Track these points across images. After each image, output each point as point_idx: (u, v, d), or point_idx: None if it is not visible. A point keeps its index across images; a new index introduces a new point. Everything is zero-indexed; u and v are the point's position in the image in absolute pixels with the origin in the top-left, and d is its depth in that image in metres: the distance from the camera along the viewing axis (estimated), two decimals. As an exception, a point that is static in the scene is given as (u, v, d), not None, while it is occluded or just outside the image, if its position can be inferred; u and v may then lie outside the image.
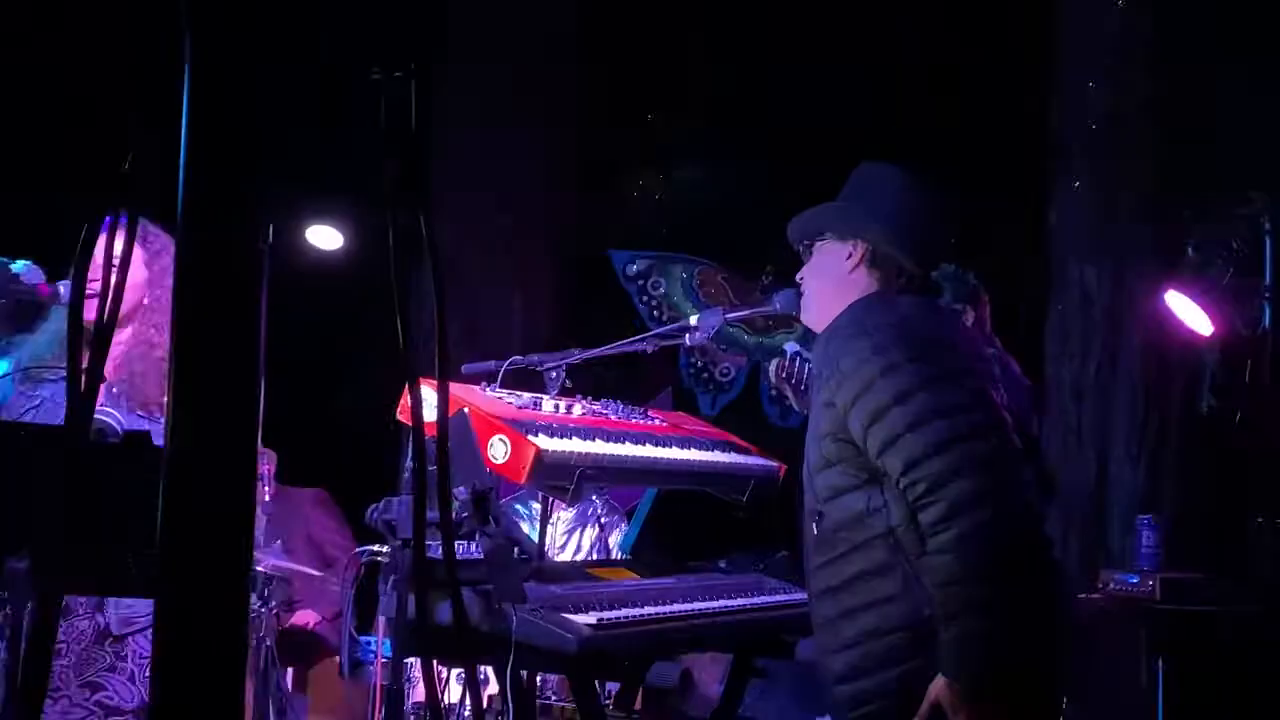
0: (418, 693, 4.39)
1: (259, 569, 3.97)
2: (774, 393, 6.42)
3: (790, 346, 2.83)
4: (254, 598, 3.89)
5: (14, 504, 2.22)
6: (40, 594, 2.07)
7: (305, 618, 4.78)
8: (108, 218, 1.29)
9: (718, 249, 6.59)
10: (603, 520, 4.46)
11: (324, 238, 6.29)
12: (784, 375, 2.79)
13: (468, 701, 3.56)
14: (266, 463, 4.04)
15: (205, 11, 0.81)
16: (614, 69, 6.76)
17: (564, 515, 4.39)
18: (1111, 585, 4.11)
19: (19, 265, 3.26)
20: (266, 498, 4.12)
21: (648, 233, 6.97)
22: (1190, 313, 4.65)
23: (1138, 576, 4.01)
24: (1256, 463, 4.46)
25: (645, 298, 6.53)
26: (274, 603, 4.20)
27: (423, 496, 1.28)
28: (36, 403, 2.78)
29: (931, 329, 2.31)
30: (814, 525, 2.30)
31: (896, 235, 2.37)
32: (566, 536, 4.43)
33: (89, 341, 2.79)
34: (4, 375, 3.05)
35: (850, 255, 2.39)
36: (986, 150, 6.09)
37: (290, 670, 4.55)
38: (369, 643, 4.85)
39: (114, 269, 1.53)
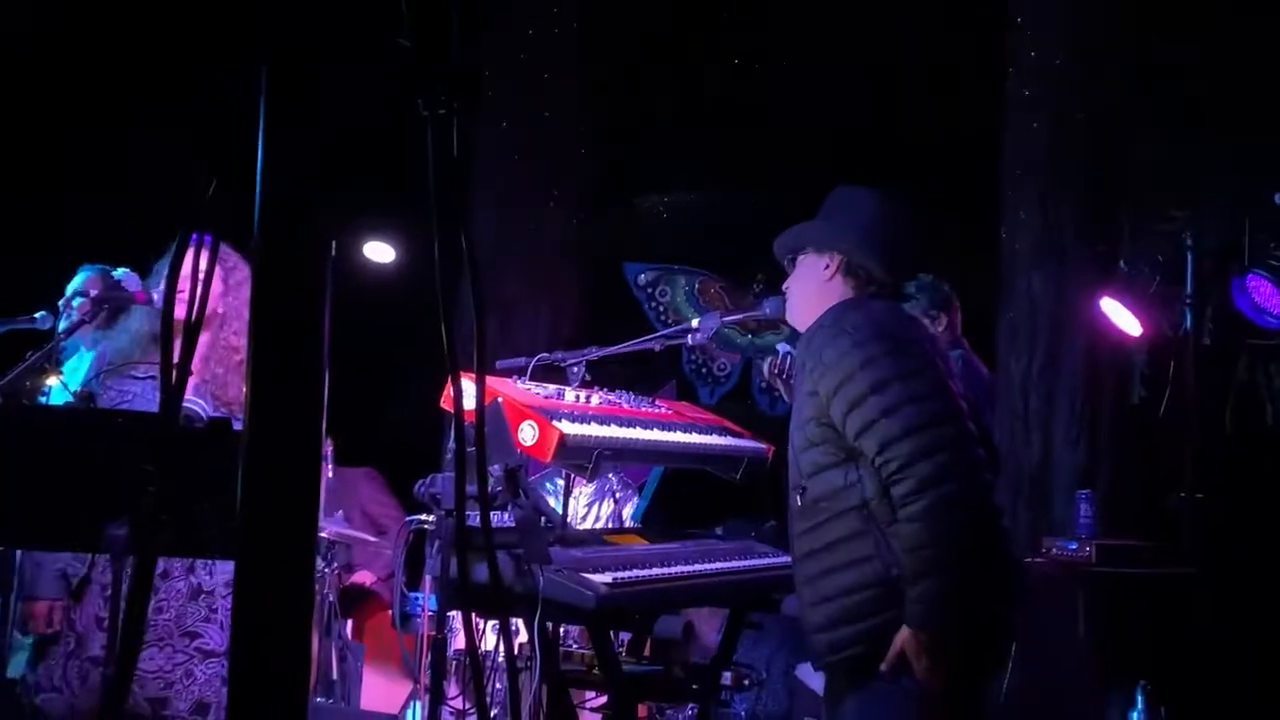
0: (458, 641, 4.39)
1: (322, 535, 3.98)
2: (764, 385, 6.42)
3: (782, 346, 2.82)
4: (319, 560, 3.90)
5: (112, 479, 2.23)
6: (138, 556, 2.08)
7: (363, 577, 4.79)
8: (193, 235, 1.30)
9: (715, 261, 6.58)
10: (617, 494, 4.45)
11: (378, 252, 6.29)
12: (776, 371, 2.79)
13: (501, 649, 3.56)
14: (326, 446, 4.05)
15: (280, 48, 0.81)
16: (622, 102, 6.71)
17: (584, 490, 4.38)
18: (1054, 551, 4.09)
19: (119, 272, 3.27)
20: (329, 474, 4.13)
21: (656, 247, 6.96)
22: (1122, 316, 4.63)
23: (1076, 543, 4.00)
24: (1178, 446, 4.45)
25: (653, 304, 6.53)
26: (335, 564, 4.20)
27: (463, 473, 1.28)
28: (129, 398, 2.79)
29: (899, 329, 2.31)
30: (798, 497, 2.31)
31: (868, 248, 2.37)
32: (586, 509, 4.42)
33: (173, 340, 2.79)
34: (88, 369, 3.05)
35: (828, 266, 2.39)
36: (945, 176, 6.05)
37: (349, 622, 4.55)
38: (417, 598, 4.86)
39: (190, 278, 1.54)
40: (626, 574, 2.31)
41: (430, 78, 0.93)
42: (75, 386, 2.68)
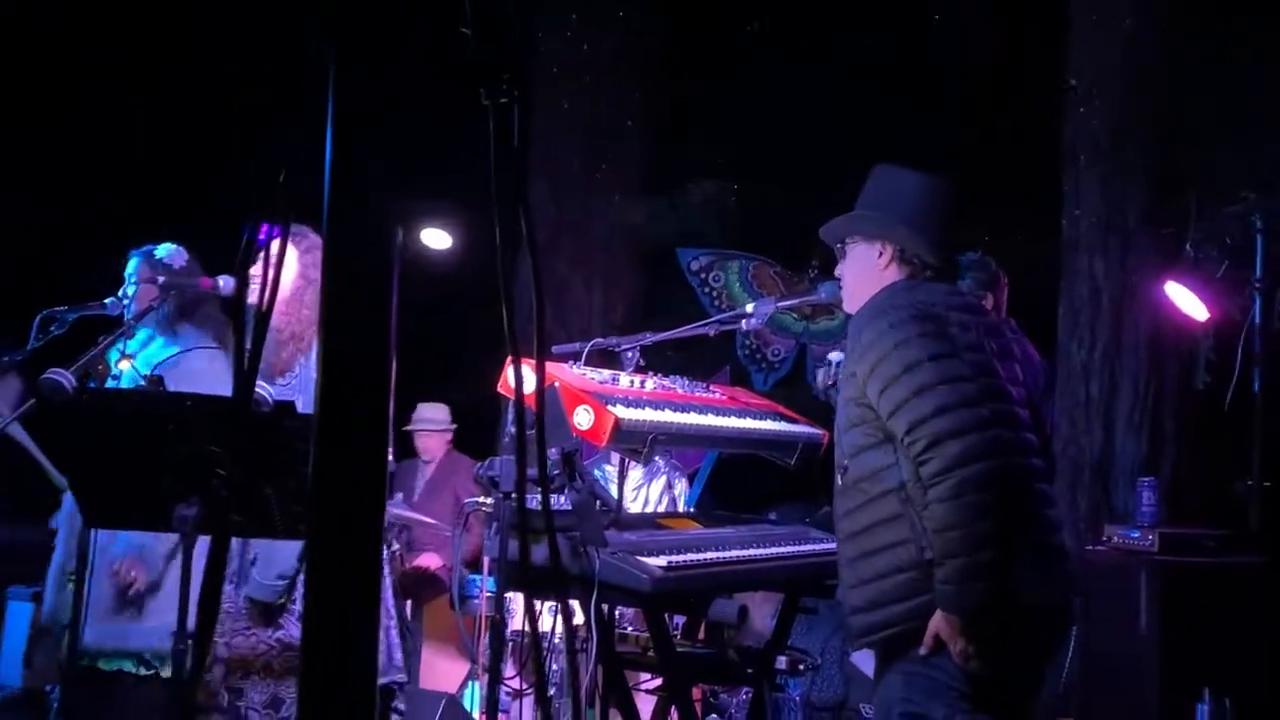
0: (515, 622, 4.46)
1: (386, 518, 4.04)
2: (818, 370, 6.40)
3: (835, 356, 2.82)
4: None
5: (182, 460, 2.29)
6: (214, 536, 2.14)
7: (428, 560, 4.86)
8: (264, 225, 1.33)
9: (770, 246, 6.55)
10: (667, 479, 4.47)
11: (435, 239, 6.36)
12: (830, 381, 2.79)
13: (558, 630, 3.60)
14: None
15: (346, 38, 0.83)
16: (676, 85, 6.69)
17: (633, 474, 4.41)
18: (1115, 539, 4.02)
19: (162, 250, 3.33)
20: (390, 458, 4.19)
21: (709, 232, 6.95)
22: (1188, 301, 4.53)
23: (1139, 532, 3.92)
24: (1245, 433, 4.34)
25: (706, 289, 6.52)
26: (396, 546, 4.28)
27: (523, 456, 1.30)
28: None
29: (944, 310, 2.30)
30: (839, 477, 2.34)
31: (920, 234, 2.37)
32: (635, 493, 4.45)
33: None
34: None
35: (881, 253, 2.39)
36: (1003, 157, 5.96)
37: (409, 602, 4.63)
38: (474, 580, 4.94)
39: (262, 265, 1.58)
40: (681, 558, 2.32)
41: (491, 66, 0.95)
42: (146, 370, 2.77)
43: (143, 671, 3.02)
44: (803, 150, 6.62)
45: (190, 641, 2.44)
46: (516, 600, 4.49)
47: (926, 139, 6.12)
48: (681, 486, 4.52)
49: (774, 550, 2.62)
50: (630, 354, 2.88)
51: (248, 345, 1.04)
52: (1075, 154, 5.45)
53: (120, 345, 2.77)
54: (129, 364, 2.88)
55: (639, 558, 2.25)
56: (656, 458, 4.29)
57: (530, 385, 2.47)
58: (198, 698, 2.65)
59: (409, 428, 5.13)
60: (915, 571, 2.17)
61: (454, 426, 5.19)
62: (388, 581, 4.19)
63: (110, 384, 2.68)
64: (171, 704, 3.16)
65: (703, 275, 6.50)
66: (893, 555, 2.20)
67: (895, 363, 2.18)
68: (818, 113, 6.58)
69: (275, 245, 2.78)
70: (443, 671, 4.65)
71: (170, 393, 2.37)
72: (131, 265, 3.36)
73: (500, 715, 4.43)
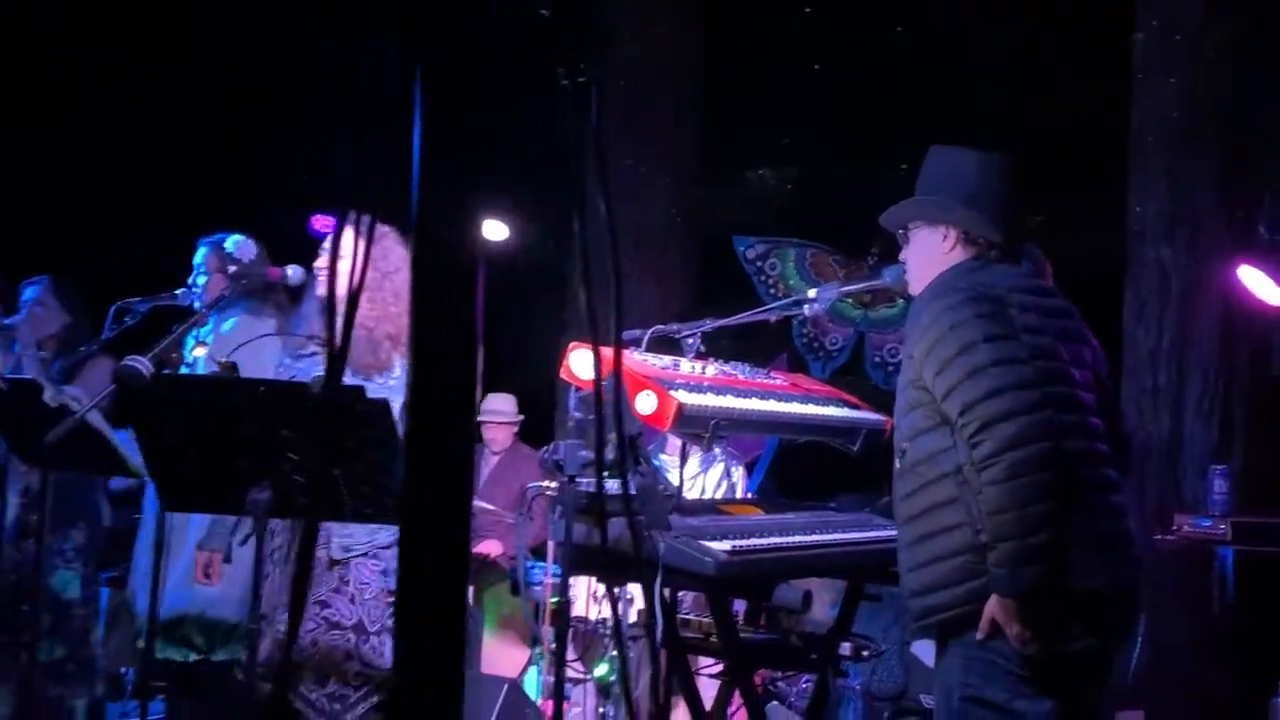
0: (575, 608, 4.50)
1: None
2: (877, 359, 6.34)
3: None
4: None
5: (254, 446, 2.34)
6: (305, 521, 2.20)
7: (489, 547, 4.92)
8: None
9: (827, 233, 6.51)
10: (725, 466, 4.47)
11: (492, 230, 6.41)
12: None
13: (613, 615, 3.62)
14: None
15: (434, 32, 0.84)
16: (731, 70, 6.67)
17: (689, 462, 4.41)
18: (1185, 528, 3.95)
19: (231, 243, 3.41)
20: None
21: (765, 219, 6.92)
22: (1262, 285, 4.41)
23: (1210, 520, 3.85)
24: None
25: (763, 276, 6.49)
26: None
27: (603, 442, 1.31)
28: (294, 373, 2.93)
29: (1004, 291, 2.27)
30: (898, 460, 2.34)
31: (983, 217, 2.35)
32: (692, 481, 4.45)
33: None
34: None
35: (946, 237, 2.38)
36: (1066, 142, 5.86)
37: (471, 589, 4.69)
38: (533, 566, 4.98)
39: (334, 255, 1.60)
40: (745, 542, 2.33)
41: (568, 47, 0.96)
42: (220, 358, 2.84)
43: (192, 657, 3.09)
44: (860, 134, 6.57)
45: (262, 622, 2.50)
46: (578, 586, 4.53)
47: (987, 122, 6.03)
48: (739, 474, 4.51)
49: (837, 536, 2.61)
50: (691, 340, 2.88)
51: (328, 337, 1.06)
52: (1142, 138, 5.34)
53: (194, 333, 2.84)
54: (203, 350, 2.95)
55: (703, 542, 2.26)
56: (713, 446, 4.29)
57: (591, 370, 2.49)
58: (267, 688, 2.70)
59: (477, 418, 5.19)
60: (971, 555, 2.16)
61: (521, 418, 5.24)
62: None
63: (184, 370, 2.74)
64: (234, 688, 3.27)
65: (759, 263, 6.48)
66: (949, 539, 2.19)
67: (950, 345, 2.18)
68: (874, 95, 6.52)
69: (344, 238, 2.79)
70: (504, 657, 4.70)
71: (243, 378, 2.43)
72: (200, 255, 3.44)
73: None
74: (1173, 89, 5.16)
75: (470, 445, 0.91)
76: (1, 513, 3.68)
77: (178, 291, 3.43)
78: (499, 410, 5.17)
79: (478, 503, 4.52)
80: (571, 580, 4.54)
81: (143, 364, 2.33)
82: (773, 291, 6.38)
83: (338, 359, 0.96)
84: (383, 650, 2.76)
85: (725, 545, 2.26)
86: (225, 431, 2.31)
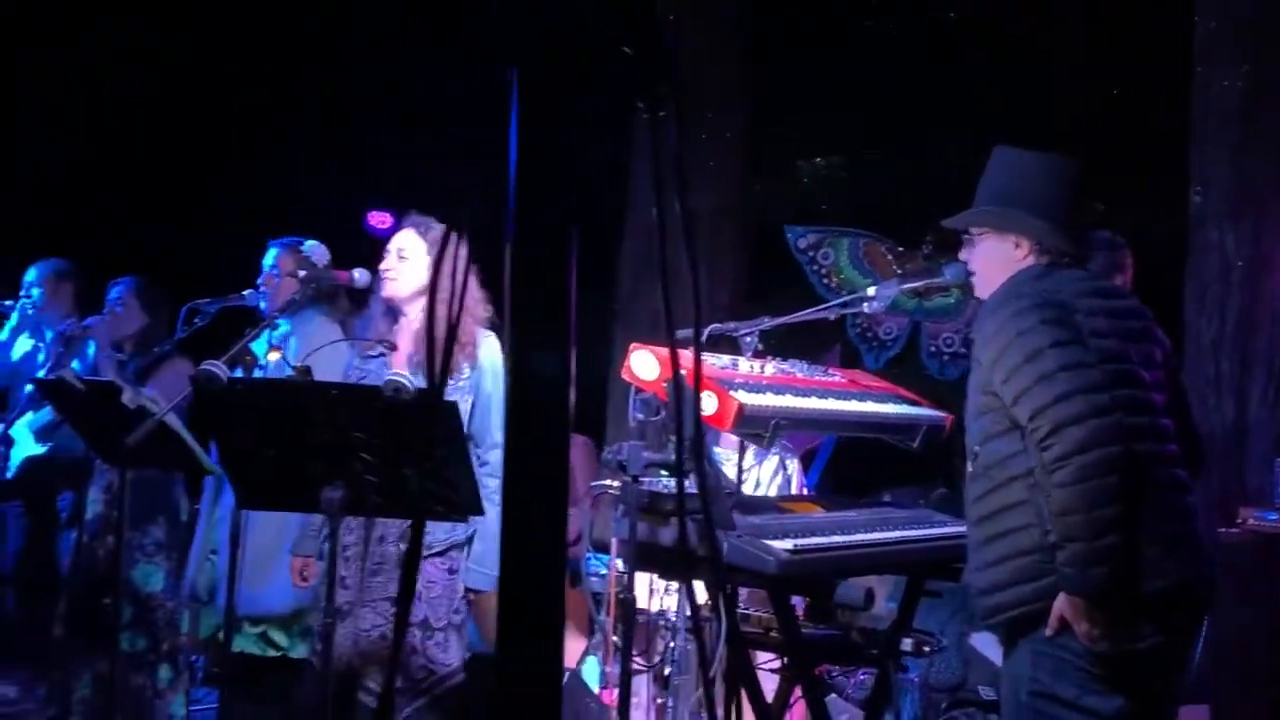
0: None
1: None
2: (933, 348, 6.30)
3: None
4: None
5: (326, 446, 2.42)
6: (414, 521, 2.27)
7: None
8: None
9: (881, 223, 6.47)
10: (779, 459, 4.49)
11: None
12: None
13: (675, 609, 3.66)
14: None
15: (531, 46, 0.88)
16: (782, 60, 6.64)
17: (745, 452, 4.42)
18: (1250, 521, 3.90)
19: (308, 245, 3.49)
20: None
21: (817, 209, 6.89)
22: (1329, 272, 4.32)
23: (1276, 513, 3.80)
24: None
25: (815, 267, 6.47)
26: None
27: (698, 440, 1.34)
28: (364, 375, 3.01)
29: (1070, 297, 2.30)
30: (970, 463, 2.37)
31: (1054, 226, 2.37)
32: (746, 474, 4.47)
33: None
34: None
35: (1018, 246, 2.40)
36: (1131, 126, 5.77)
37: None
38: (589, 559, 5.04)
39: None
40: (806, 541, 2.36)
41: (648, 83, 0.99)
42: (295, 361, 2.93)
43: (271, 653, 3.19)
44: (912, 121, 6.52)
45: (336, 618, 2.58)
46: (638, 580, 4.58)
47: (1044, 108, 5.96)
48: (794, 466, 4.53)
49: (897, 534, 2.63)
50: (749, 339, 2.91)
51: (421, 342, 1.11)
52: (1203, 123, 5.25)
53: (266, 336, 2.92)
54: (277, 355, 3.04)
55: (765, 541, 2.29)
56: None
57: (652, 372, 2.53)
58: (344, 679, 2.79)
59: None
60: (1039, 555, 2.19)
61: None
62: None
63: (257, 373, 2.83)
64: (305, 684, 3.36)
65: (811, 253, 6.46)
66: (1018, 539, 2.23)
67: (1018, 351, 2.21)
68: (927, 81, 6.46)
69: (404, 238, 2.87)
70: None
71: (316, 382, 2.50)
72: (272, 257, 3.53)
73: (617, 693, 4.54)
74: (1235, 73, 5.07)
75: (567, 439, 0.96)
76: (85, 509, 3.82)
77: (245, 293, 3.53)
78: None
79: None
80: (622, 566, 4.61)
81: (220, 369, 2.41)
82: (825, 282, 6.36)
83: (439, 376, 1.01)
84: (446, 647, 2.84)
85: (787, 544, 2.30)
86: (299, 433, 2.39)
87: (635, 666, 4.35)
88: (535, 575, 0.91)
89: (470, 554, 2.89)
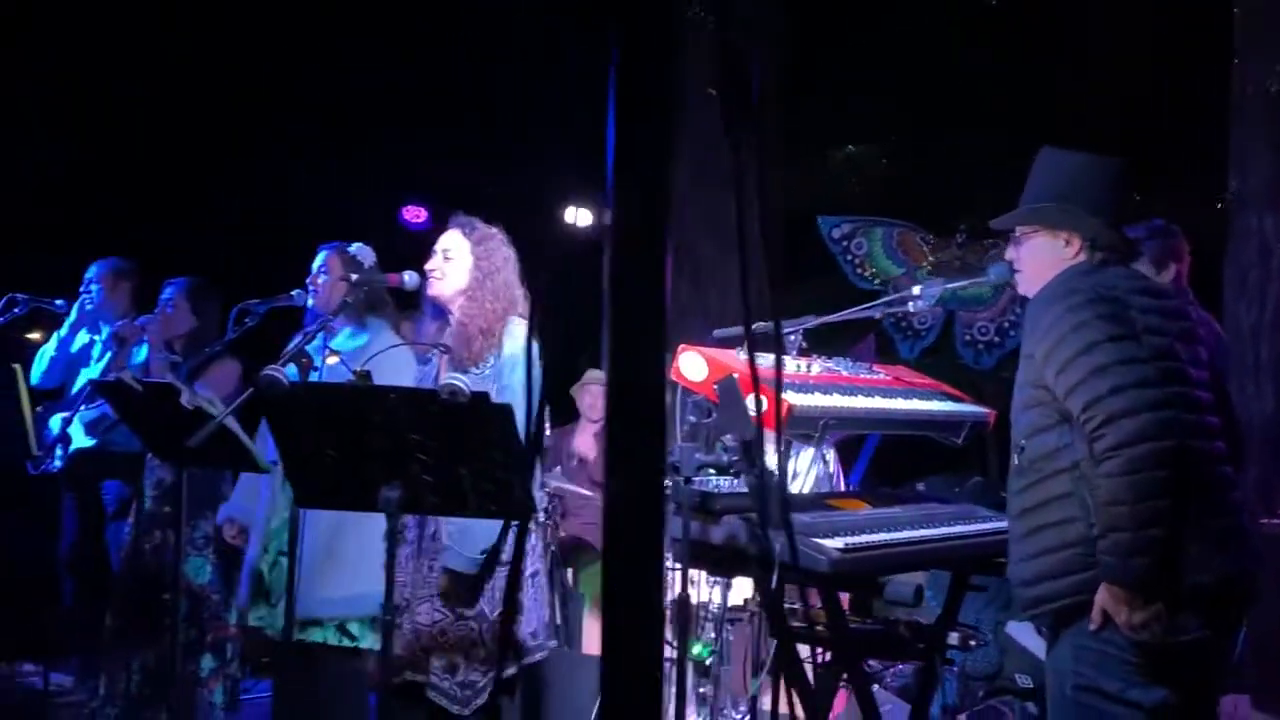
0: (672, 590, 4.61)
1: (544, 490, 4.23)
2: (967, 338, 6.30)
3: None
4: (542, 513, 4.14)
5: (385, 447, 2.48)
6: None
7: (585, 531, 5.04)
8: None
9: (914, 213, 6.47)
10: (816, 451, 4.52)
11: (579, 217, 6.53)
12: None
13: (716, 601, 3.72)
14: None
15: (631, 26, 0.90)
16: (814, 51, 6.64)
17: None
18: (1292, 512, 3.90)
19: (355, 247, 3.55)
20: (548, 432, 4.37)
21: (850, 199, 6.89)
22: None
23: (1318, 505, 3.79)
24: None
25: (849, 256, 6.49)
26: (556, 515, 4.48)
27: (761, 442, 1.40)
28: (421, 379, 3.08)
29: (1124, 294, 2.33)
30: (1016, 456, 2.40)
31: (1105, 224, 2.39)
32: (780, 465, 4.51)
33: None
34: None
35: (1069, 243, 2.42)
36: (1169, 113, 5.73)
37: (570, 570, 4.83)
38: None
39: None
40: (856, 539, 2.40)
41: (734, 118, 1.04)
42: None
43: (346, 643, 3.28)
44: (946, 111, 6.50)
45: (397, 614, 2.65)
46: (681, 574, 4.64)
47: (1080, 96, 5.93)
48: (832, 456, 4.56)
49: (945, 530, 2.67)
50: (793, 338, 2.94)
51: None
52: (1242, 109, 5.22)
53: (320, 340, 2.98)
54: (336, 359, 3.11)
55: (816, 539, 2.34)
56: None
57: (698, 373, 2.58)
58: (403, 673, 2.86)
59: (582, 382, 5.25)
60: (1082, 547, 2.23)
61: None
62: (551, 551, 4.40)
63: (312, 376, 2.89)
64: (370, 673, 3.45)
65: (845, 243, 6.47)
66: (1062, 531, 2.26)
67: (1073, 344, 2.24)
68: (961, 70, 6.44)
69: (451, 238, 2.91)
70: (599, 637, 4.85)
71: (376, 386, 2.56)
72: (321, 259, 3.60)
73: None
74: (1274, 60, 5.03)
75: (663, 417, 0.97)
76: (140, 504, 3.91)
77: (294, 293, 3.60)
78: (601, 379, 5.25)
79: (573, 487, 4.65)
80: (672, 564, 4.68)
81: (282, 374, 2.48)
82: (859, 272, 6.38)
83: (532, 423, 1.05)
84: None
85: (838, 543, 2.34)
86: (359, 436, 2.44)
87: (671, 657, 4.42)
88: (637, 573, 0.94)
89: (450, 532, 2.90)
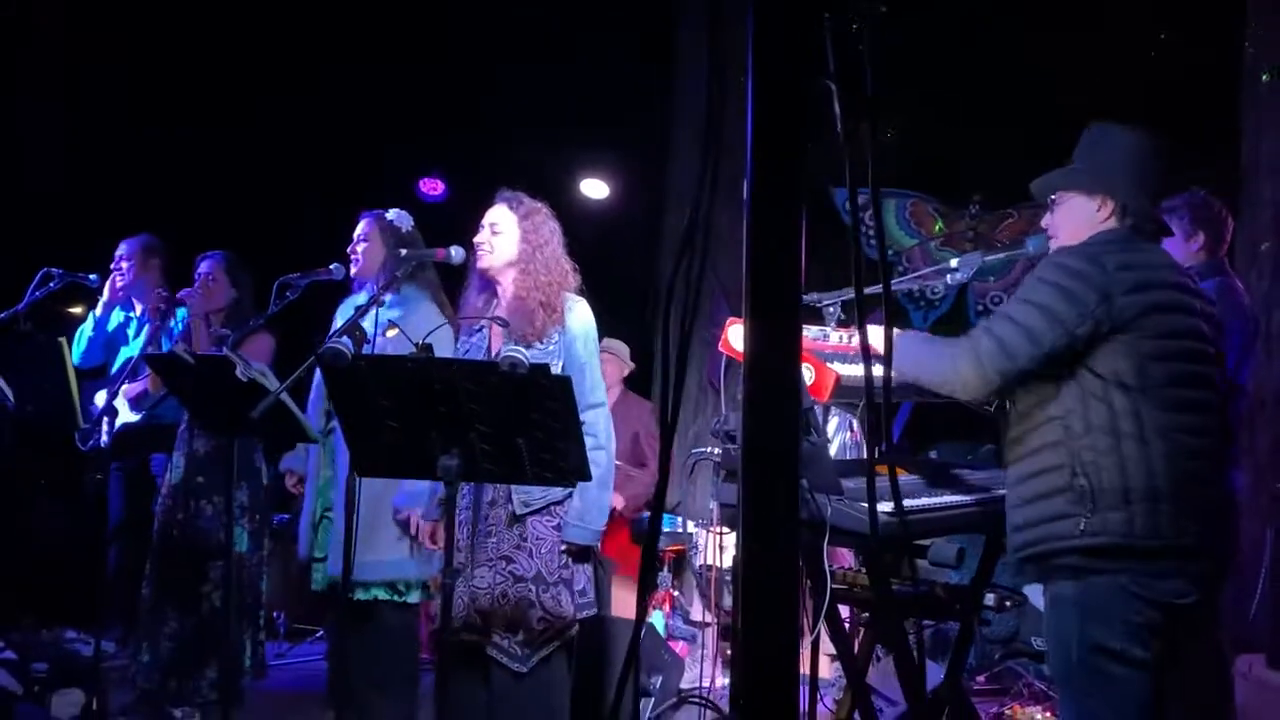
0: (701, 557, 4.74)
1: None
2: (980, 307, 6.41)
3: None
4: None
5: (445, 417, 2.57)
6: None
7: (613, 500, 5.16)
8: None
9: (926, 183, 6.54)
10: (840, 419, 4.63)
11: (594, 189, 6.59)
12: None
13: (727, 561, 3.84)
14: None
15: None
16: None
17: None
18: (1305, 477, 4.02)
19: (393, 213, 3.64)
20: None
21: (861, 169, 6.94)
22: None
23: (1331, 470, 3.91)
24: None
25: (862, 227, 6.57)
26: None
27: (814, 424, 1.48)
28: (467, 350, 3.17)
29: (1146, 271, 2.39)
30: (1011, 405, 2.50)
31: (1139, 190, 2.47)
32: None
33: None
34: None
35: (1100, 207, 2.49)
36: (1181, 82, 5.80)
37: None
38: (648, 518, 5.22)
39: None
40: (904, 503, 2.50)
41: (851, 115, 1.13)
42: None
43: (396, 599, 3.41)
44: (959, 83, 6.56)
45: (456, 577, 2.76)
46: (701, 536, 4.77)
47: (1094, 67, 5.99)
48: (856, 424, 4.67)
49: (981, 496, 2.78)
50: (832, 309, 3.03)
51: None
52: (1255, 73, 5.27)
53: (379, 314, 3.08)
54: (395, 331, 3.20)
55: (863, 504, 2.45)
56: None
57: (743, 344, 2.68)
58: (459, 634, 2.98)
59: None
60: (1069, 494, 2.32)
61: (632, 366, 5.45)
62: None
63: (365, 349, 2.98)
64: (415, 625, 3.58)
65: (859, 214, 6.55)
66: (1050, 479, 2.35)
67: (1035, 275, 2.39)
68: (973, 42, 6.49)
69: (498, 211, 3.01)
70: (626, 602, 4.98)
71: (438, 359, 2.66)
72: (361, 227, 3.69)
73: (683, 644, 4.75)
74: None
75: (799, 410, 1.05)
76: (170, 477, 3.99)
77: (332, 267, 3.69)
78: (617, 348, 5.35)
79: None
80: (696, 529, 4.80)
81: (345, 346, 2.58)
82: (873, 243, 6.45)
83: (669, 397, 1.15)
84: (560, 599, 3.03)
85: (885, 506, 2.44)
86: (420, 406, 2.54)
87: (705, 620, 4.56)
88: (773, 542, 1.04)
89: (570, 510, 3.06)
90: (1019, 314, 2.35)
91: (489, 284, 3.20)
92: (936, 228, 6.35)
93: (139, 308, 4.66)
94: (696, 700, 3.74)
